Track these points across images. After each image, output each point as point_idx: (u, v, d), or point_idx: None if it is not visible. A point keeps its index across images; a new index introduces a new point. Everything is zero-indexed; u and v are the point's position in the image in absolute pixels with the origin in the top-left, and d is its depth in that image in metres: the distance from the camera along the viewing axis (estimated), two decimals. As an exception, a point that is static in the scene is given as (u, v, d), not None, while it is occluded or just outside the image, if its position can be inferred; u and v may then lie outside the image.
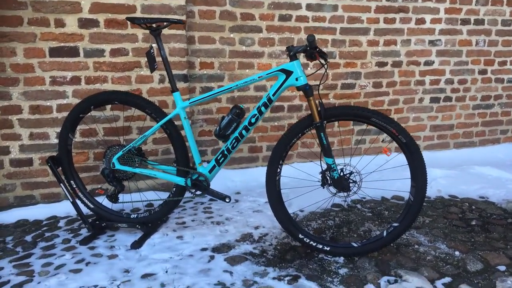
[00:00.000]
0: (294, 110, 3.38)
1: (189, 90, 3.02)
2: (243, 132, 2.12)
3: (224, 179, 3.13)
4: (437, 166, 3.45)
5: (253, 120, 2.10)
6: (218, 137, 2.15)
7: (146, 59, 2.69)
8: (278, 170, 2.12)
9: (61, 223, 2.57)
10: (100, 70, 2.71)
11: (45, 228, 2.50)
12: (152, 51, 2.16)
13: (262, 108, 2.08)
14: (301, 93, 3.37)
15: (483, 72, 3.87)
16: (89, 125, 2.75)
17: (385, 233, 2.10)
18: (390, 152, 2.08)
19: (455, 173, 3.39)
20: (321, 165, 2.12)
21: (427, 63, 3.67)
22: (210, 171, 2.22)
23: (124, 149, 2.23)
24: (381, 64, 3.53)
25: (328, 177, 2.08)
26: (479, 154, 3.99)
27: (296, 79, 2.00)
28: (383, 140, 2.06)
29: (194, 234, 2.38)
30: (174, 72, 2.84)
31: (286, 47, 2.00)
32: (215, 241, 2.30)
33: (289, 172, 3.32)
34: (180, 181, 2.24)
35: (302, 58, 3.17)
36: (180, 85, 2.88)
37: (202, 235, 2.37)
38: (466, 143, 4.02)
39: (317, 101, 2.01)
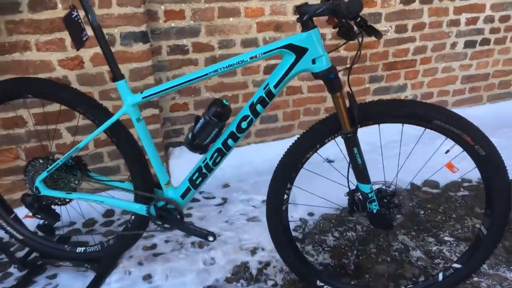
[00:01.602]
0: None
1: (152, 52, 2.19)
2: (229, 141, 1.38)
3: (207, 166, 2.41)
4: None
5: (244, 125, 1.34)
6: (191, 148, 1.40)
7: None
8: (285, 196, 1.41)
9: (-13, 252, 1.89)
10: (17, 32, 1.85)
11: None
12: (74, 14, 1.32)
13: (258, 107, 1.31)
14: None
15: (530, 4, 3.03)
16: (14, 111, 1.95)
17: (440, 277, 1.46)
18: (457, 168, 1.36)
19: (497, 142, 2.71)
20: (348, 183, 1.41)
21: (464, -3, 2.81)
22: (183, 196, 1.49)
23: (49, 169, 1.47)
24: (407, 1, 2.67)
25: (358, 202, 1.39)
26: (516, 107, 3.29)
27: (314, 61, 1.21)
28: (447, 151, 1.33)
29: (167, 269, 1.72)
30: (128, 29, 1.99)
31: (296, 7, 1.18)
32: (197, 283, 1.65)
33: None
34: (140, 209, 1.52)
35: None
36: (139, 47, 2.04)
37: (179, 271, 1.71)
38: (502, 94, 3.30)
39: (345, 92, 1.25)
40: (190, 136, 1.38)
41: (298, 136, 1.36)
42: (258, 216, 2.06)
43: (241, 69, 2.45)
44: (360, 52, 1.21)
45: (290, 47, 1.21)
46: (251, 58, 1.24)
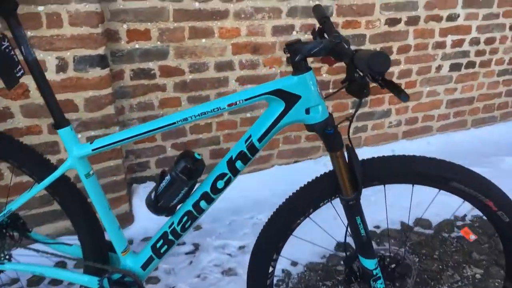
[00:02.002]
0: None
1: (113, 77, 1.91)
2: (202, 203, 1.12)
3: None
4: (455, 156, 2.60)
5: (220, 184, 1.09)
6: (154, 210, 1.13)
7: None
8: (271, 269, 1.16)
9: None
10: None
11: None
12: (5, 44, 1.04)
13: (238, 164, 1.06)
14: (283, 69, 2.32)
15: (515, 27, 2.92)
16: None
17: None
18: (475, 235, 1.16)
19: (487, 172, 2.55)
20: (345, 247, 1.17)
21: (450, 18, 2.66)
22: (144, 266, 1.22)
23: (-26, 236, 1.17)
24: (392, 22, 2.50)
25: (358, 273, 1.15)
26: (499, 132, 3.18)
27: (308, 111, 0.97)
28: (464, 216, 1.12)
29: None
30: (83, 52, 1.71)
31: (286, 45, 0.94)
32: None
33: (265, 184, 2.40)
34: (90, 282, 1.23)
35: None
36: (95, 72, 1.76)
37: None
38: (486, 119, 3.18)
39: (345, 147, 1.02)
40: (153, 196, 1.11)
41: (286, 198, 1.12)
42: (234, 268, 1.80)
43: (214, 94, 2.20)
44: (360, 104, 0.99)
45: (279, 93, 0.97)
46: (229, 105, 0.99)
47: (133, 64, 1.97)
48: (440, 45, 2.72)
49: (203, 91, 2.16)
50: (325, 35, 1.08)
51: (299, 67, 0.95)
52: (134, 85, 2.01)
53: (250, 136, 1.03)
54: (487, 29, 2.83)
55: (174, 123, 1.02)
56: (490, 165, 2.66)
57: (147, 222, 2.03)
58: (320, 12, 1.13)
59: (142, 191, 2.11)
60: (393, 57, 2.60)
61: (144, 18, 1.91)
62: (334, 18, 2.31)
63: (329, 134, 0.96)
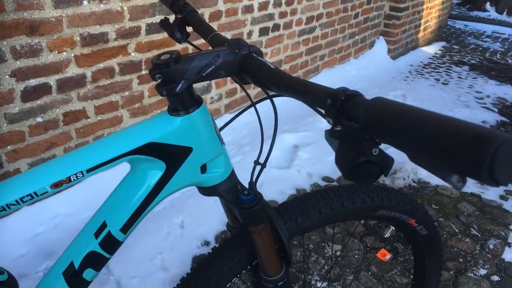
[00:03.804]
0: (73, 85, 1.77)
1: None
2: None
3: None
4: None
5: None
6: None
7: None
8: None
9: None
10: None
11: None
12: None
13: (88, 273, 0.59)
14: (78, 51, 1.74)
15: (308, -14, 2.97)
16: None
17: None
18: (390, 254, 1.00)
19: (307, 136, 2.61)
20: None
21: (252, -21, 2.49)
22: None
23: None
24: (200, -15, 2.16)
25: None
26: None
27: (203, 169, 0.58)
28: (385, 236, 0.94)
29: None
30: None
31: (153, 64, 0.50)
32: None
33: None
34: None
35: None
36: None
37: None
38: (292, 79, 3.23)
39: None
40: None
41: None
42: None
43: (-20, 99, 1.50)
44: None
45: (152, 150, 0.53)
46: (56, 185, 0.51)
47: None
48: (248, 9, 2.54)
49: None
50: (195, 32, 0.68)
51: (183, 102, 0.53)
52: None
53: (104, 225, 0.57)
54: (286, -10, 2.78)
55: None
56: (309, 127, 2.73)
57: None
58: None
59: None
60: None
61: None
62: (135, -18, 1.82)
63: (246, 202, 0.59)
